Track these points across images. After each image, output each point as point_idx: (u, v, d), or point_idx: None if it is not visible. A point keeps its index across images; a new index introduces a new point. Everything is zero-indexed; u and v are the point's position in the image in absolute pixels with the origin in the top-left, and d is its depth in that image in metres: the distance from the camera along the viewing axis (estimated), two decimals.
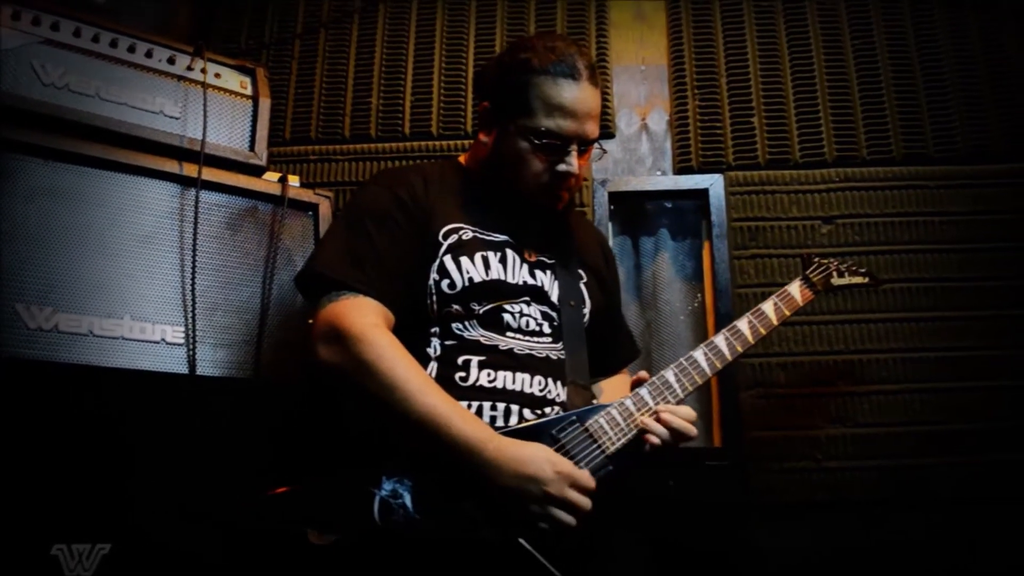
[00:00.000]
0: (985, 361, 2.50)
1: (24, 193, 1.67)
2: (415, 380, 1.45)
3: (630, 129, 2.86)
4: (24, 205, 1.66)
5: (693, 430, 1.59)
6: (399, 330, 1.56)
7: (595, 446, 1.54)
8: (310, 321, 1.57)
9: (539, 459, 1.41)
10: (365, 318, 1.50)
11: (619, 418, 1.58)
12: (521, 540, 1.39)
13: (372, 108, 2.83)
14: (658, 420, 1.58)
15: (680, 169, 2.77)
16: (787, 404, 2.53)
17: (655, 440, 1.55)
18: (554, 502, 1.39)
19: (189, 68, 2.00)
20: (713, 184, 2.71)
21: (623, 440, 1.56)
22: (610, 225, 2.74)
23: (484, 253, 1.66)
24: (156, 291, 1.79)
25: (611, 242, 2.74)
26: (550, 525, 1.40)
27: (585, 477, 1.44)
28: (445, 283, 1.61)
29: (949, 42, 2.78)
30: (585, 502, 1.41)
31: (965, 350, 2.51)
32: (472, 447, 1.40)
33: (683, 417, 1.59)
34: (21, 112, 1.73)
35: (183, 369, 1.79)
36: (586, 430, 1.55)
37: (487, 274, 1.64)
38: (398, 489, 1.40)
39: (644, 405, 1.61)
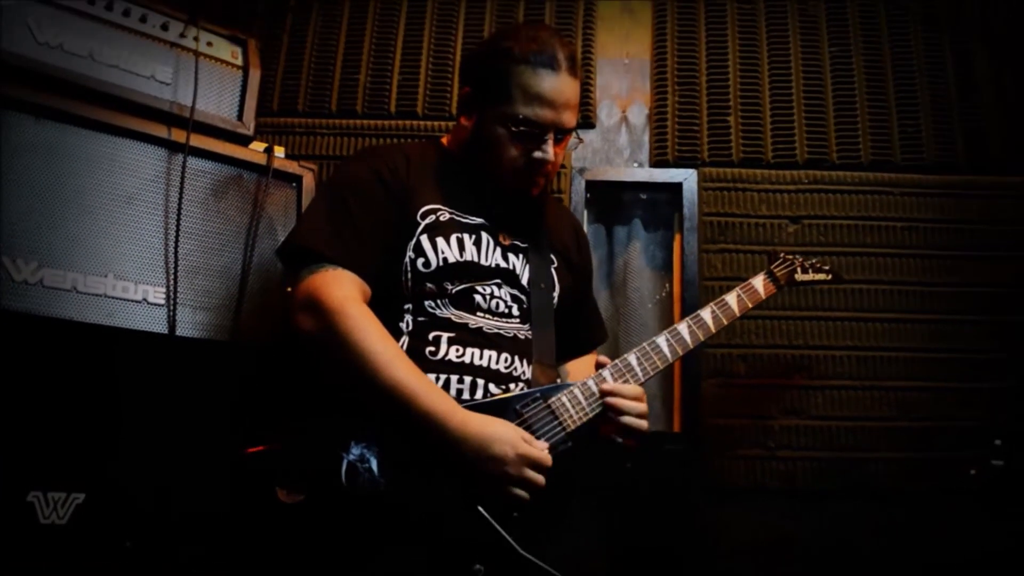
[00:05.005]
0: (934, 363, 2.60)
1: (14, 149, 1.70)
2: (386, 352, 1.50)
3: (610, 120, 2.93)
4: (13, 160, 1.69)
5: (638, 406, 1.66)
6: (374, 304, 1.61)
7: (556, 423, 1.60)
8: (288, 290, 1.62)
9: (502, 440, 1.47)
10: (342, 291, 1.55)
11: (581, 397, 1.65)
12: (480, 508, 1.47)
13: (360, 84, 2.87)
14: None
15: (656, 162, 2.84)
16: (745, 394, 2.62)
17: (616, 407, 1.63)
18: (512, 481, 1.46)
19: (182, 35, 2.02)
20: (687, 179, 2.79)
21: (584, 419, 1.63)
22: (586, 213, 2.81)
23: (460, 235, 1.70)
24: (140, 252, 1.84)
25: (585, 229, 2.80)
26: (505, 501, 1.47)
27: (543, 457, 1.50)
28: (420, 262, 1.66)
29: (922, 57, 2.85)
30: (540, 480, 1.49)
31: (915, 351, 2.61)
32: (438, 419, 1.47)
33: (630, 395, 1.66)
34: (14, 69, 1.75)
35: (163, 329, 1.84)
36: (548, 407, 1.61)
37: (461, 256, 1.68)
38: (365, 454, 1.45)
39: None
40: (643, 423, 1.65)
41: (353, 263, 1.60)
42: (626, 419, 1.63)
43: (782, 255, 2.12)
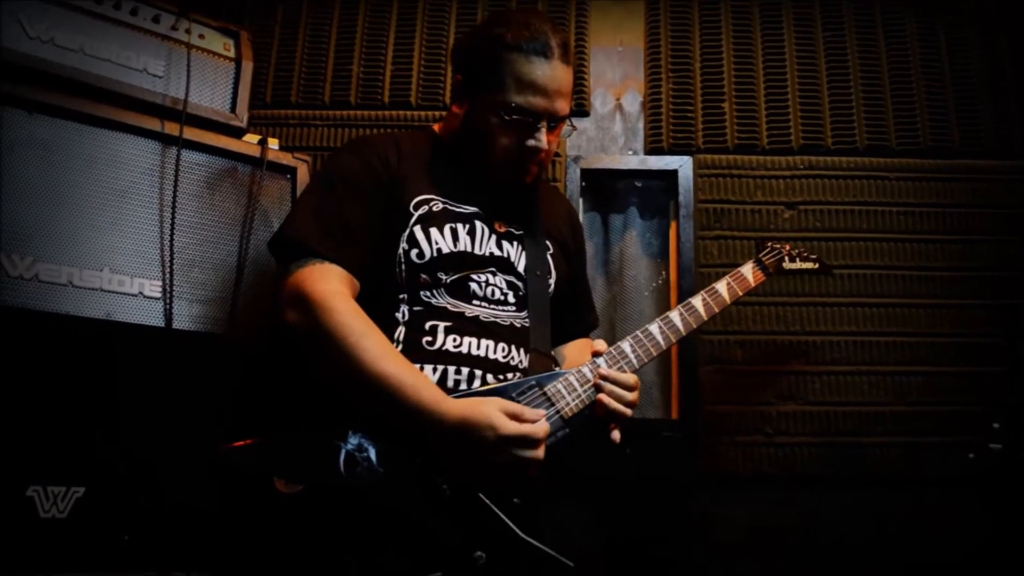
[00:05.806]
0: (930, 347, 2.62)
1: (8, 144, 1.69)
2: (373, 347, 1.49)
3: (605, 109, 2.93)
4: (7, 155, 1.69)
5: (630, 395, 1.67)
6: (369, 296, 1.61)
7: (553, 410, 1.61)
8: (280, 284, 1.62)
9: (481, 426, 1.44)
10: (329, 285, 1.54)
11: (576, 384, 1.65)
12: (480, 495, 1.47)
13: (353, 75, 2.87)
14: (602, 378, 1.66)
15: (651, 150, 2.84)
16: (742, 380, 2.64)
17: (607, 400, 1.63)
18: (496, 468, 1.46)
19: (173, 28, 2.02)
20: (682, 166, 2.79)
21: (579, 405, 1.63)
22: (581, 201, 2.82)
23: (453, 225, 1.70)
24: (135, 245, 1.83)
25: (581, 218, 2.80)
26: (494, 485, 1.47)
27: (531, 431, 1.46)
28: (414, 253, 1.66)
29: (916, 42, 2.86)
30: (531, 455, 1.45)
31: (912, 336, 2.63)
32: (423, 411, 1.45)
33: (623, 383, 1.67)
34: (6, 64, 1.75)
35: (159, 322, 1.83)
36: (544, 394, 1.62)
37: (455, 245, 1.68)
38: (363, 443, 1.46)
39: None
40: (626, 410, 1.65)
41: (340, 257, 1.60)
42: (612, 404, 1.63)
43: (769, 244, 2.14)
